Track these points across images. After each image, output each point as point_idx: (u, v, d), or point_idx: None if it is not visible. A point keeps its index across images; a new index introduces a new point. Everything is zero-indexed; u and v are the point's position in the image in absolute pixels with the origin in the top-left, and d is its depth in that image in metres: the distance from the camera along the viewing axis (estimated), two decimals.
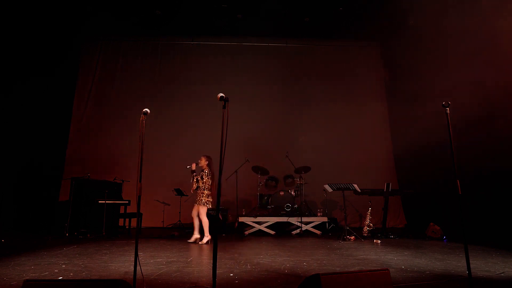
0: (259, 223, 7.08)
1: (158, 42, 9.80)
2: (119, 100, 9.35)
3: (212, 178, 5.90)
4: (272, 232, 7.01)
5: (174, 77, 9.61)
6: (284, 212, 7.39)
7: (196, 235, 5.91)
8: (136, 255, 2.83)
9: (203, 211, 5.78)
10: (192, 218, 6.04)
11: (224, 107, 2.79)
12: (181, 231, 7.33)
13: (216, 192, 2.77)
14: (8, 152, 7.40)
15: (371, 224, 6.78)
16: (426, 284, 3.15)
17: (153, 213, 8.18)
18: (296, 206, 7.47)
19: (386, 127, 9.62)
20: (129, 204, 7.30)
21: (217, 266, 2.61)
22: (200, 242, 5.77)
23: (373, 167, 8.95)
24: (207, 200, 5.80)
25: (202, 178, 5.79)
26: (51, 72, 8.27)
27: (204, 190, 5.79)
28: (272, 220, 7.13)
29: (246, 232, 7.00)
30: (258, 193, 7.69)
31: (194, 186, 5.83)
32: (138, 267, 2.81)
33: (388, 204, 6.90)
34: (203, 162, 5.90)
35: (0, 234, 6.27)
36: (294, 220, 7.10)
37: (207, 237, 5.83)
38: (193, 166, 5.88)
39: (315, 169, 7.92)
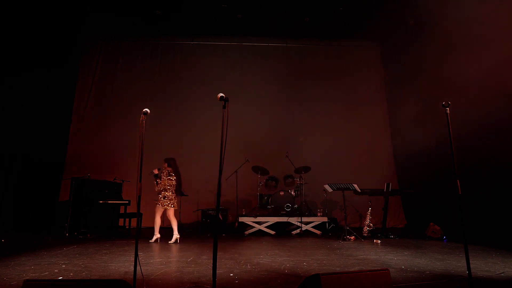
0: (259, 223, 7.08)
1: (158, 42, 9.80)
2: (119, 100, 9.34)
3: (177, 178, 6.08)
4: (272, 232, 7.01)
5: (174, 77, 9.61)
6: (284, 212, 7.39)
7: (176, 235, 5.99)
8: (136, 255, 2.83)
9: (157, 210, 6.01)
10: (169, 221, 6.15)
11: (224, 107, 2.79)
12: (181, 231, 7.32)
13: (217, 191, 2.77)
14: (8, 152, 7.40)
15: (371, 224, 6.78)
16: (426, 284, 3.15)
17: (153, 213, 8.14)
18: (296, 206, 7.47)
19: (386, 127, 9.61)
20: (129, 204, 7.29)
21: (217, 266, 2.61)
22: (150, 240, 5.90)
23: (373, 167, 8.94)
24: (162, 201, 5.95)
25: (161, 179, 5.98)
26: (51, 72, 8.27)
27: (162, 191, 5.97)
28: (272, 220, 7.13)
29: (246, 232, 7.00)
30: (258, 193, 7.69)
31: (156, 189, 6.02)
32: (138, 267, 2.81)
33: (388, 204, 6.90)
34: (164, 166, 6.10)
35: (0, 234, 6.27)
36: (294, 220, 7.10)
37: (156, 236, 6.01)
38: (155, 171, 6.05)
39: (315, 169, 7.92)
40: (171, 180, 5.98)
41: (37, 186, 7.98)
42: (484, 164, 6.12)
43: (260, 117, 9.23)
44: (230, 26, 9.10)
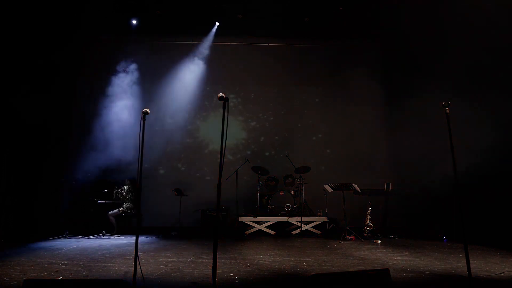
0: (259, 223, 7.08)
1: (158, 42, 9.79)
2: (119, 100, 9.32)
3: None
4: (272, 232, 7.01)
5: (174, 77, 9.61)
6: (284, 212, 7.39)
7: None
8: (136, 255, 2.83)
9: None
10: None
11: (224, 107, 2.79)
12: (181, 231, 7.33)
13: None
14: (7, 152, 7.39)
15: (371, 224, 6.78)
16: (426, 284, 3.15)
17: (153, 213, 8.18)
18: (296, 206, 7.47)
19: (386, 126, 9.60)
20: None
21: (217, 266, 2.61)
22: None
23: (373, 167, 8.94)
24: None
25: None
26: (50, 71, 8.25)
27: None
28: (272, 220, 7.13)
29: (246, 232, 7.00)
30: (258, 193, 7.69)
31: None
32: (138, 267, 2.81)
33: (388, 204, 6.89)
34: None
35: (0, 234, 6.27)
36: (294, 220, 7.10)
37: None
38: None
39: (315, 169, 7.92)
40: None
41: (37, 186, 7.97)
42: (484, 164, 6.11)
43: (260, 117, 9.23)
44: (230, 26, 9.10)
